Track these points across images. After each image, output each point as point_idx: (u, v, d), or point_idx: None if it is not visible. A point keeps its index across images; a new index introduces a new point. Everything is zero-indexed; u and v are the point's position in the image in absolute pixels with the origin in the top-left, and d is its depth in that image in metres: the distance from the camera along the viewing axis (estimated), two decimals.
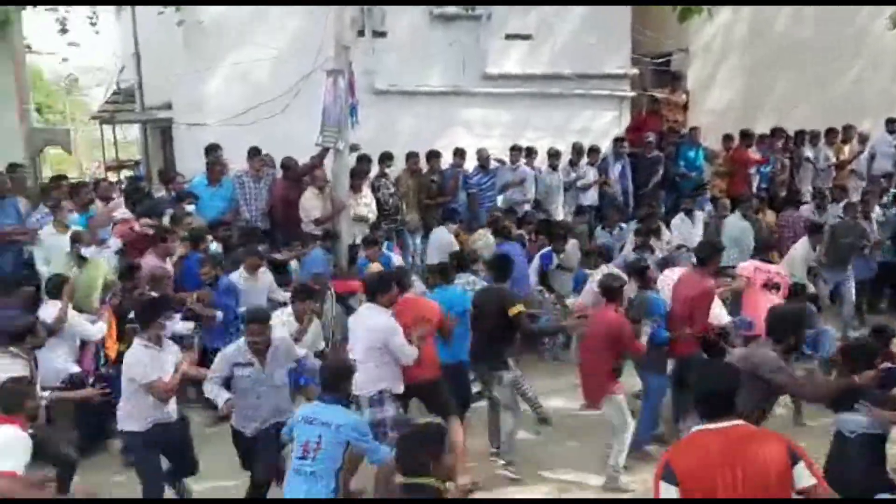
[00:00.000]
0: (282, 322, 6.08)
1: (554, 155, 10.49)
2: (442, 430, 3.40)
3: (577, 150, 10.68)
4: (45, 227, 7.57)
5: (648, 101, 12.40)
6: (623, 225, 9.61)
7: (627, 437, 5.74)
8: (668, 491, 3.02)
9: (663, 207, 10.42)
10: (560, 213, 10.42)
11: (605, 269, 7.44)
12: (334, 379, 4.49)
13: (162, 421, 5.10)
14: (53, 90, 29.74)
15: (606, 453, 5.86)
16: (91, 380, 6.44)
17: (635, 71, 12.02)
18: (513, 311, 5.88)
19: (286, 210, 8.91)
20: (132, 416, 5.07)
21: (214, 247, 7.96)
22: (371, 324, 5.46)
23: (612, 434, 5.81)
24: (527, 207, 10.15)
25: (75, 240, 7.14)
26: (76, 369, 6.32)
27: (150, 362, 4.96)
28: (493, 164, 10.27)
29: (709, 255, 6.29)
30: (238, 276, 7.35)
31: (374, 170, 9.52)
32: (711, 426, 3.10)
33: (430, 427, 3.32)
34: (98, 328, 6.51)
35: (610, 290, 5.89)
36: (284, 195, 8.94)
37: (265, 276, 7.55)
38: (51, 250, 7.37)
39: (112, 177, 14.71)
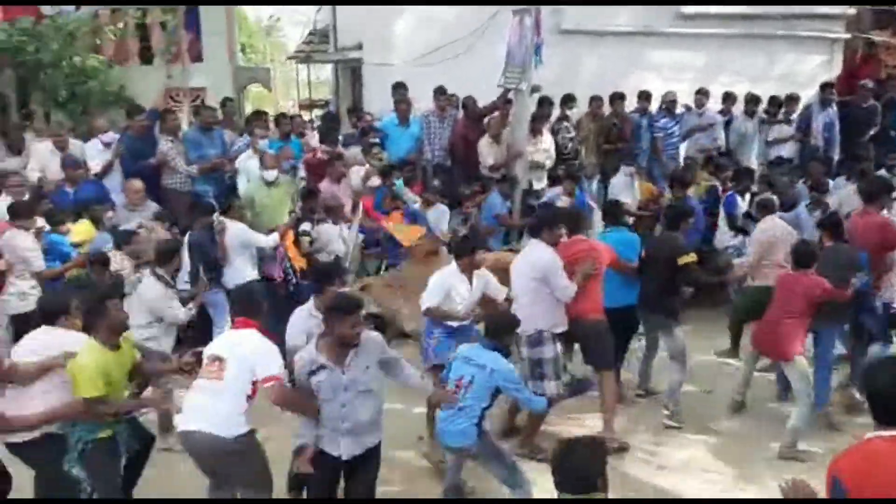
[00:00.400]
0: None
1: (751, 101, 9.73)
2: (603, 442, 3.25)
3: (776, 102, 9.85)
4: (244, 153, 8.24)
5: (865, 44, 11.17)
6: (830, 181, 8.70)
7: (808, 403, 5.44)
8: None
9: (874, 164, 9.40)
10: (753, 163, 9.73)
11: (770, 220, 6.84)
12: (497, 329, 4.60)
13: None
14: (255, 31, 31.72)
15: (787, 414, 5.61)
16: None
17: (852, 10, 10.84)
18: (682, 260, 5.79)
19: (466, 149, 8.99)
20: None
21: (400, 183, 8.28)
22: (532, 259, 5.46)
23: (794, 399, 5.56)
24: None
25: (260, 161, 7.74)
26: (255, 275, 6.90)
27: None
28: (679, 109, 9.75)
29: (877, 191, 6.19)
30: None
31: (555, 112, 9.36)
32: (886, 434, 2.65)
33: (594, 442, 3.03)
34: (272, 238, 7.02)
35: (804, 257, 5.57)
36: (464, 134, 9.02)
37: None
38: (249, 173, 7.99)
39: (305, 115, 15.56)
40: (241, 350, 4.06)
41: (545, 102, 9.13)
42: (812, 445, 5.46)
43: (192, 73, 11.99)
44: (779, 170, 9.14)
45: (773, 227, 6.69)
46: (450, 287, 5.36)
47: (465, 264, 5.39)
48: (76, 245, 6.83)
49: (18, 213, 6.50)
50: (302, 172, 8.43)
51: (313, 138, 8.95)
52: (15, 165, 7.92)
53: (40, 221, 6.76)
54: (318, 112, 16.14)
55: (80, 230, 6.92)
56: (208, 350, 4.23)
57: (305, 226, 7.28)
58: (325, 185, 7.98)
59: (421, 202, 8.18)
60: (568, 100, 9.40)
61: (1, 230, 6.49)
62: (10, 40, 10.30)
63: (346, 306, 3.96)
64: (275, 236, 7.08)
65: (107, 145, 8.26)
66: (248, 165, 8.09)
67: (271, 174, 7.68)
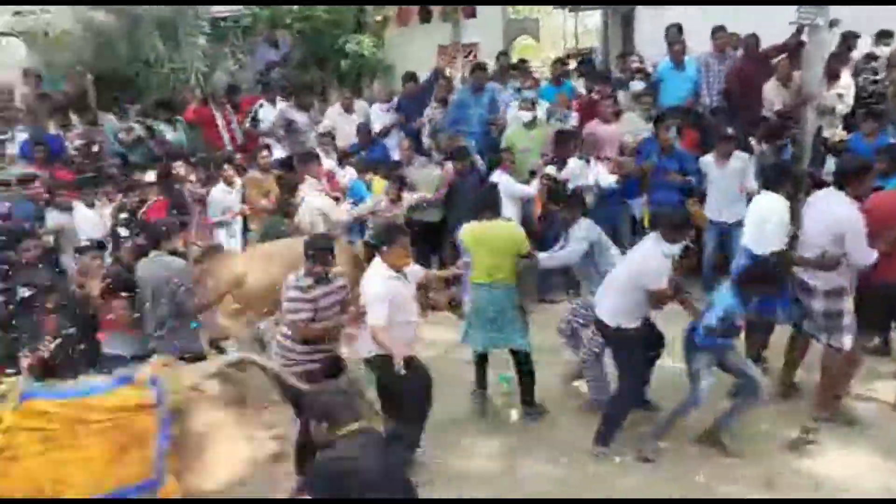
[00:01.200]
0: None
1: None
2: None
3: None
4: (512, 104, 8.47)
5: None
6: None
7: None
8: None
9: None
10: None
11: None
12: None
13: None
14: None
15: None
16: None
17: None
18: None
19: (744, 90, 8.33)
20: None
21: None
22: (830, 212, 4.98)
23: None
24: None
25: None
26: None
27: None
28: None
29: None
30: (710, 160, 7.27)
31: (858, 51, 8.34)
32: None
33: None
34: (531, 187, 7.36)
35: None
36: (743, 75, 8.37)
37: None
38: (517, 121, 8.21)
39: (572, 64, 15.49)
40: None
41: (848, 38, 8.18)
42: None
43: (466, 29, 12.48)
44: None
45: None
46: None
47: None
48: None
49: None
50: (574, 118, 8.52)
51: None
52: (302, 120, 8.92)
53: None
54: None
55: (378, 185, 7.85)
56: None
57: (549, 169, 7.40)
58: (593, 125, 8.07)
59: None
60: (884, 35, 8.29)
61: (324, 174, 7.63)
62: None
63: None
64: (535, 184, 7.31)
65: (386, 110, 9.13)
66: (511, 114, 8.37)
67: (527, 115, 7.91)
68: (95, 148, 8.55)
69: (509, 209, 7.03)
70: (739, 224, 6.29)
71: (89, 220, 7.29)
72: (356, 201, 7.58)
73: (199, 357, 4.94)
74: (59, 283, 5.57)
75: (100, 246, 6.08)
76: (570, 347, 5.77)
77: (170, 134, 8.73)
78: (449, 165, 7.85)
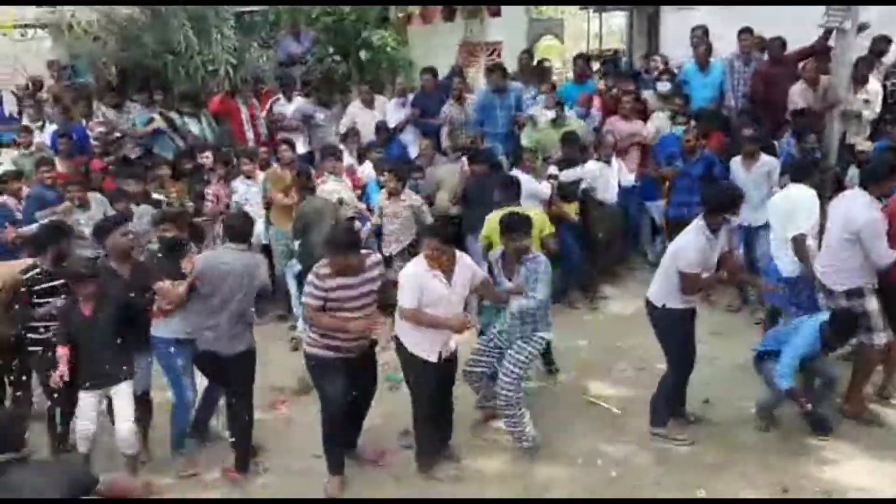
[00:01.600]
0: None
1: None
2: None
3: None
4: (533, 107, 8.48)
5: None
6: None
7: None
8: None
9: None
10: None
11: None
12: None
13: None
14: None
15: None
16: None
17: None
18: None
19: (768, 93, 8.23)
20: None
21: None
22: (847, 209, 5.01)
23: None
24: None
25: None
26: None
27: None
28: None
29: None
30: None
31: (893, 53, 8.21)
32: None
33: None
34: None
35: None
36: (769, 78, 8.27)
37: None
38: (536, 120, 8.27)
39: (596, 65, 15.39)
40: None
41: (880, 41, 8.07)
42: None
43: (489, 28, 12.43)
44: None
45: None
46: None
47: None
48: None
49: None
50: (598, 118, 8.53)
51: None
52: (323, 115, 9.06)
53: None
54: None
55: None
56: None
57: (552, 169, 7.38)
58: (613, 121, 8.09)
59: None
60: None
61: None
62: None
63: None
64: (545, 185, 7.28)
65: (403, 104, 9.14)
66: (535, 113, 8.37)
67: (550, 113, 7.96)
68: (116, 135, 8.62)
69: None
70: (766, 227, 6.26)
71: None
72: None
73: None
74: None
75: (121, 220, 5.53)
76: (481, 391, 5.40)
77: (194, 126, 8.74)
78: (465, 162, 7.80)
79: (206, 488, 5.02)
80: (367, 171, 8.24)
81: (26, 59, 10.50)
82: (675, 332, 5.06)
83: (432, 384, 4.81)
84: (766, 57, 8.48)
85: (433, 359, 4.76)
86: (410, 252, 6.81)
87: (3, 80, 10.72)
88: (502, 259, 5.06)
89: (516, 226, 4.89)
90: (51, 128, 8.98)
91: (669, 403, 5.20)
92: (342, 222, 6.47)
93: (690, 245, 4.84)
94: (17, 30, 10.95)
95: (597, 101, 8.77)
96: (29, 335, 5.08)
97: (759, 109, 8.21)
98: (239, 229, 5.02)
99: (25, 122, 9.20)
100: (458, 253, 4.84)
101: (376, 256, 4.94)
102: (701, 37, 8.65)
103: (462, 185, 7.66)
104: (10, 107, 10.37)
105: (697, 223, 4.92)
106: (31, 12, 10.70)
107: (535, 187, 7.09)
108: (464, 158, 7.87)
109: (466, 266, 4.83)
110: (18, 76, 10.60)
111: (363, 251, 4.78)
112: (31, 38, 10.80)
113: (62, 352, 4.76)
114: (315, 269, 4.67)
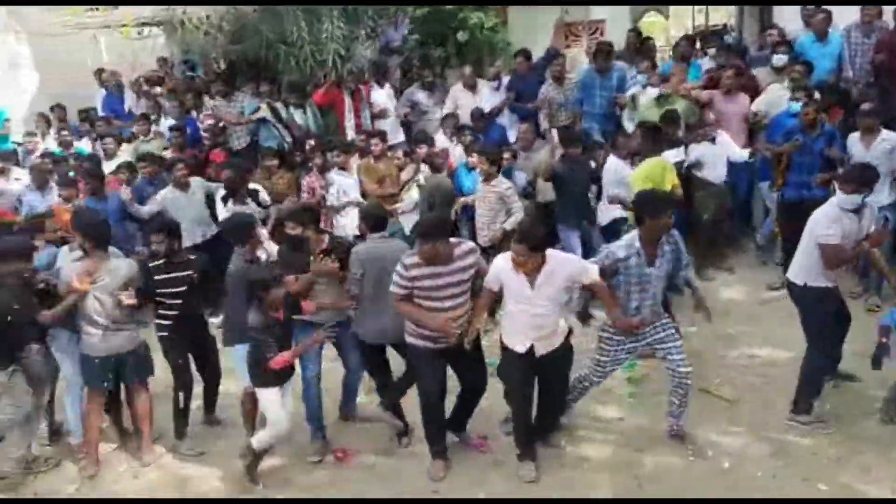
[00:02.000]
0: None
1: None
2: None
3: None
4: (635, 87, 8.25)
5: None
6: None
7: None
8: None
9: None
10: None
11: None
12: None
13: None
14: None
15: None
16: None
17: None
18: None
19: (893, 62, 7.65)
20: None
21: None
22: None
23: None
24: None
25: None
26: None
27: None
28: None
29: None
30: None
31: None
32: None
33: None
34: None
35: None
36: (892, 44, 7.71)
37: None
38: (647, 97, 8.06)
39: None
40: None
41: None
42: None
43: (591, 6, 12.07)
44: None
45: None
46: None
47: None
48: None
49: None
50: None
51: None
52: (427, 101, 9.20)
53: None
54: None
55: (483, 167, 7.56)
56: None
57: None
58: (714, 97, 7.81)
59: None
60: None
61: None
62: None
63: None
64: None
65: (496, 88, 9.07)
66: (635, 92, 8.17)
67: (654, 91, 7.74)
68: (221, 125, 8.96)
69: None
70: (891, 207, 5.93)
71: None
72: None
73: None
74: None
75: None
76: None
77: (299, 117, 8.92)
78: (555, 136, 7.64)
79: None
80: (457, 153, 8.18)
81: (143, 57, 11.00)
82: (816, 311, 4.95)
83: (517, 375, 4.72)
84: (892, 25, 7.91)
85: (519, 349, 4.67)
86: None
87: (124, 78, 11.29)
88: (640, 245, 4.67)
89: (661, 207, 4.63)
90: (166, 122, 9.43)
91: (814, 389, 5.01)
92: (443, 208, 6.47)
93: (826, 216, 4.80)
94: (134, 29, 11.49)
95: (704, 78, 8.31)
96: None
97: (885, 81, 7.66)
98: (376, 219, 5.18)
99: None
100: (553, 254, 4.62)
101: (469, 244, 4.83)
102: (815, 7, 8.17)
103: (546, 174, 7.19)
104: (131, 103, 10.93)
105: (832, 199, 4.88)
106: (146, 11, 11.21)
107: (624, 174, 6.75)
108: (554, 132, 7.69)
109: (561, 266, 4.56)
110: (137, 73, 11.13)
111: (453, 240, 4.70)
112: (147, 35, 11.29)
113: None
114: (402, 259, 4.66)
